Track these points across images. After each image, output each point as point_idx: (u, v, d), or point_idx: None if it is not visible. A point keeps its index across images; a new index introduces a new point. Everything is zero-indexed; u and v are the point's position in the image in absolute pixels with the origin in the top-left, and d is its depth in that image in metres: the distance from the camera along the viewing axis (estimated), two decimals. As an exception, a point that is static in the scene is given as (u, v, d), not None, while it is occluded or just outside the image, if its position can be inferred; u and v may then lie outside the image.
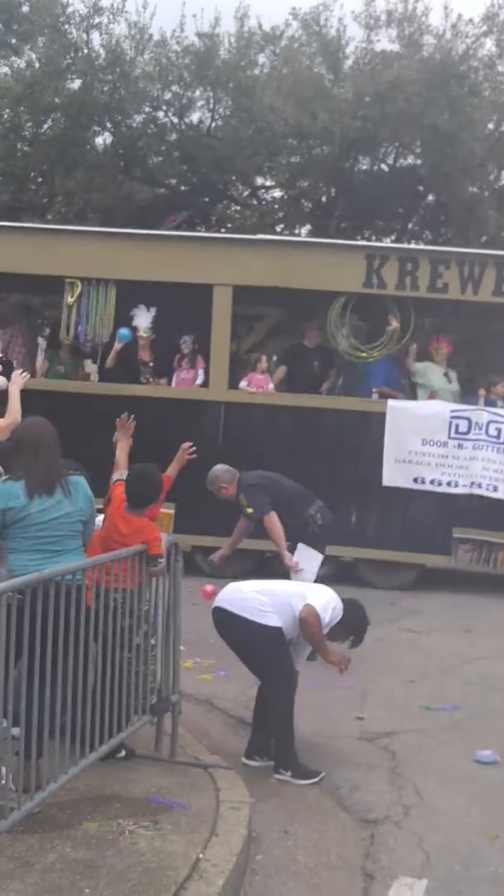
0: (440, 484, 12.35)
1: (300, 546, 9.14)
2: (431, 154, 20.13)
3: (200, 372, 12.86)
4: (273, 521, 9.05)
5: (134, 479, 6.41)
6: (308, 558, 9.12)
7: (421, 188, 21.98)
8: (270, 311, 14.24)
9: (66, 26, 21.04)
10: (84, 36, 21.02)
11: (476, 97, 19.65)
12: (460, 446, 12.34)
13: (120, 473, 6.78)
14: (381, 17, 20.52)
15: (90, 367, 14.03)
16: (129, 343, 12.84)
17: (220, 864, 4.70)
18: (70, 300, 12.78)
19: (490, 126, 20.59)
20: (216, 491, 9.21)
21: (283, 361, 13.46)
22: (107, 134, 22.42)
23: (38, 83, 20.62)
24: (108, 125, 21.98)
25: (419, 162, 21.34)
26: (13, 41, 22.66)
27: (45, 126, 21.84)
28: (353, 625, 6.55)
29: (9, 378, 12.21)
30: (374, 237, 22.43)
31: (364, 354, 12.78)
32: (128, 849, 4.75)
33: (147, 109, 21.78)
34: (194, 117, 22.10)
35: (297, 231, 22.70)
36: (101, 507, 6.25)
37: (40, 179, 22.74)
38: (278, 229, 22.28)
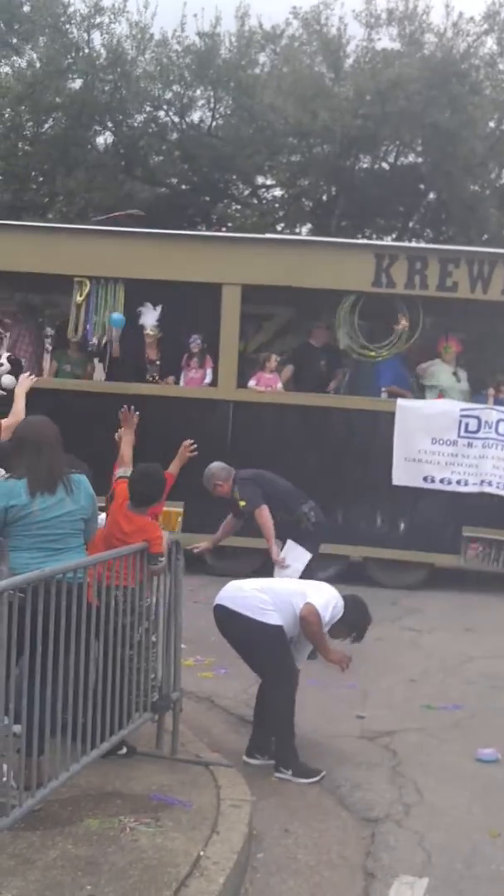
0: (450, 483, 12.35)
1: (289, 543, 9.17)
2: (432, 152, 20.14)
3: (209, 371, 12.85)
4: (264, 514, 9.10)
5: (137, 478, 6.41)
6: (296, 556, 9.14)
7: (422, 186, 21.99)
8: (278, 311, 14.24)
9: (67, 26, 21.08)
10: (85, 35, 21.06)
11: (477, 95, 19.67)
12: (470, 445, 12.33)
13: (124, 470, 6.77)
14: (381, 16, 20.56)
15: (97, 366, 14.00)
16: (135, 339, 12.80)
17: (221, 861, 4.70)
18: (79, 299, 12.77)
19: (491, 124, 20.62)
20: (212, 488, 9.28)
21: (291, 360, 13.44)
22: (108, 133, 22.45)
23: (39, 83, 20.63)
24: (109, 125, 22.01)
25: (420, 160, 21.35)
26: (14, 41, 22.64)
27: (46, 125, 21.86)
28: (354, 622, 6.56)
29: (17, 377, 12.31)
30: (374, 236, 22.44)
31: (373, 353, 12.78)
32: (129, 846, 4.76)
33: (148, 109, 21.80)
34: (195, 116, 22.15)
35: (297, 230, 22.72)
36: (102, 505, 6.25)
37: (41, 179, 22.75)
38: (279, 228, 22.30)
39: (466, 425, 12.35)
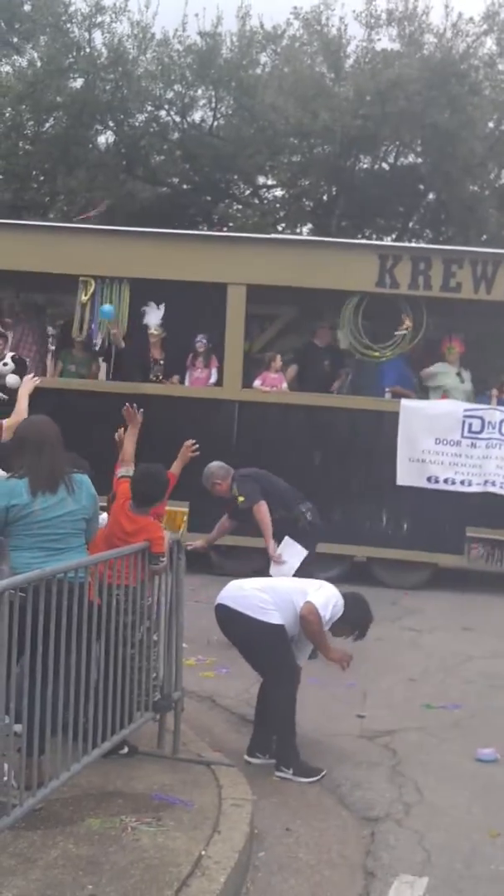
0: (454, 483, 12.37)
1: (286, 539, 9.21)
2: (432, 153, 20.17)
3: (214, 371, 12.86)
4: (262, 509, 9.16)
5: (140, 478, 6.42)
6: (292, 552, 9.18)
7: (421, 187, 22.02)
8: (283, 311, 14.25)
9: (69, 25, 21.09)
10: (86, 35, 21.06)
11: (476, 96, 19.69)
12: (473, 445, 12.35)
13: (126, 470, 6.77)
14: (381, 17, 20.59)
15: (101, 365, 13.99)
16: (140, 339, 12.79)
17: (223, 860, 4.71)
18: (84, 298, 12.78)
19: (490, 125, 20.64)
20: (210, 487, 9.35)
21: (294, 360, 13.45)
22: (109, 133, 22.46)
23: (40, 82, 20.64)
24: (111, 124, 22.02)
25: (420, 160, 21.38)
26: (15, 40, 22.65)
27: (47, 125, 21.87)
28: (355, 620, 6.56)
29: (21, 377, 12.32)
30: (374, 236, 22.47)
31: (377, 354, 12.80)
32: (130, 845, 4.77)
33: (149, 108, 21.81)
34: (196, 116, 22.17)
35: (298, 230, 22.74)
36: (104, 504, 6.25)
37: (42, 178, 22.77)
38: (280, 228, 22.32)
39: (470, 426, 12.37)
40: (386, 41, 20.55)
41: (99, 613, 5.38)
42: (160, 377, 12.94)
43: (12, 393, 8.24)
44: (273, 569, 9.00)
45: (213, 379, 12.88)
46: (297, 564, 9.09)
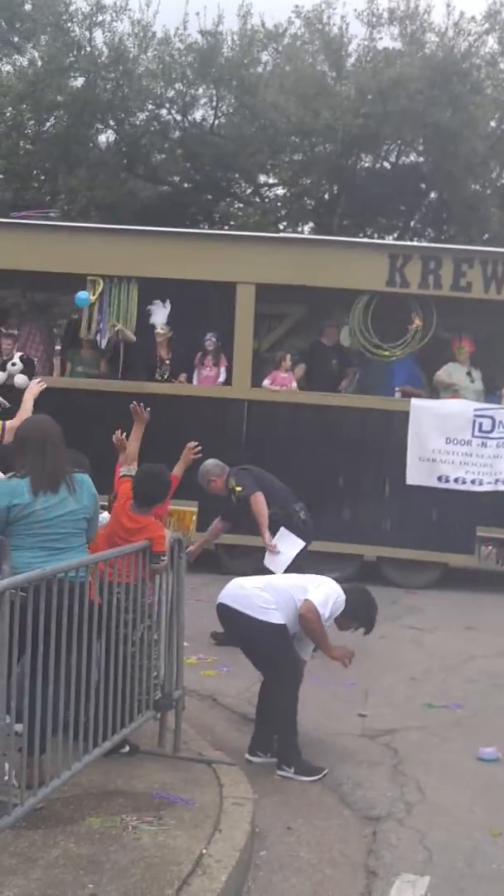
0: (464, 482, 12.37)
1: (282, 530, 9.25)
2: (433, 152, 20.16)
3: (223, 370, 12.85)
4: (259, 500, 9.20)
5: (141, 479, 6.41)
6: (288, 543, 9.22)
7: (423, 186, 22.02)
8: (289, 309, 14.25)
9: (69, 24, 21.10)
10: (87, 34, 21.07)
11: (478, 95, 19.70)
12: (484, 445, 12.35)
13: (129, 469, 6.76)
14: (383, 15, 20.61)
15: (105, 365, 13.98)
16: (147, 337, 12.77)
17: (224, 859, 4.70)
18: (92, 298, 12.78)
19: (492, 124, 20.65)
20: (206, 485, 9.41)
21: (302, 359, 13.44)
22: (110, 132, 22.47)
23: (40, 81, 20.66)
24: (111, 123, 22.03)
25: (421, 159, 21.38)
26: (16, 39, 22.68)
27: (48, 124, 21.88)
28: (360, 613, 6.54)
29: (29, 377, 12.39)
30: (376, 235, 22.46)
31: (387, 353, 12.80)
32: (131, 844, 4.76)
33: (150, 107, 21.82)
34: (197, 115, 22.17)
35: (299, 229, 22.74)
36: (104, 503, 6.24)
37: (43, 177, 22.78)
38: (281, 227, 22.32)
39: (480, 425, 12.37)
40: (387, 40, 20.62)
41: (100, 612, 5.37)
42: (167, 376, 12.90)
43: (17, 395, 8.20)
44: (268, 559, 9.09)
45: (222, 378, 12.87)
46: (293, 555, 9.17)
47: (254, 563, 10.50)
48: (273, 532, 9.20)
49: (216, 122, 22.03)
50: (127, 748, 5.92)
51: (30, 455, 5.49)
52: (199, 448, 8.00)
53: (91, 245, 12.95)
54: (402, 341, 12.75)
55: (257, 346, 13.37)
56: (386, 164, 22.08)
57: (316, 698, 7.22)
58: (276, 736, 6.42)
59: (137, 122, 22.03)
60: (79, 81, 21.40)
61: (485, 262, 12.53)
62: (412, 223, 22.98)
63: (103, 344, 13.06)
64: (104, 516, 6.33)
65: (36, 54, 21.75)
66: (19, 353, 12.75)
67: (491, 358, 13.32)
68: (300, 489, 11.80)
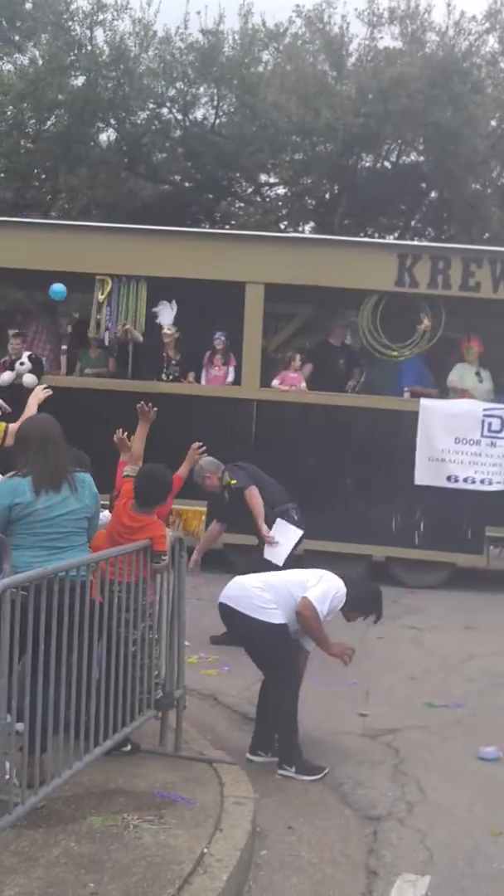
0: (473, 482, 12.36)
1: (278, 521, 9.29)
2: (434, 151, 20.17)
3: (231, 370, 12.83)
4: (254, 494, 9.25)
5: (142, 479, 6.40)
6: (285, 533, 9.27)
7: (424, 185, 22.03)
8: (297, 309, 14.23)
9: (70, 23, 21.11)
10: (88, 33, 21.08)
11: (479, 94, 19.70)
12: (493, 444, 12.35)
13: (132, 469, 6.75)
14: (383, 15, 20.61)
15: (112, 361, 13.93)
16: (154, 337, 12.75)
17: (225, 858, 4.70)
18: (100, 297, 12.75)
19: (493, 123, 20.65)
20: (201, 482, 9.44)
21: (309, 359, 13.44)
22: (111, 130, 22.47)
23: (41, 80, 20.66)
24: (112, 122, 22.03)
25: (422, 159, 21.39)
26: (17, 38, 22.65)
27: (49, 123, 21.88)
28: (364, 603, 6.52)
29: (38, 376, 12.42)
30: (377, 234, 22.46)
31: (395, 353, 12.80)
32: (132, 843, 4.76)
33: (151, 106, 21.82)
34: (198, 114, 22.17)
35: (300, 228, 22.74)
36: (105, 502, 6.24)
37: (44, 176, 22.80)
38: (282, 226, 22.33)
39: (489, 425, 12.37)
40: (388, 39, 20.62)
41: (101, 611, 5.37)
42: (174, 376, 12.87)
43: (25, 394, 8.13)
44: (268, 551, 9.12)
45: (231, 378, 12.84)
46: (292, 545, 9.24)
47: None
48: (269, 526, 9.24)
49: (217, 121, 22.03)
50: (129, 747, 5.92)
51: (32, 454, 5.49)
52: (204, 448, 8.02)
53: (100, 244, 12.92)
54: (411, 341, 12.74)
55: (265, 346, 13.36)
56: (386, 164, 22.09)
57: (317, 698, 7.22)
58: (276, 735, 6.42)
59: (138, 121, 22.02)
60: (80, 80, 21.40)
61: (494, 261, 12.50)
62: (413, 223, 22.99)
63: (107, 340, 13.02)
64: (105, 515, 6.33)
65: (37, 53, 21.75)
66: (28, 353, 12.74)
67: (500, 358, 13.28)
68: (309, 489, 11.89)
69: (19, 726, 4.79)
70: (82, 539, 5.58)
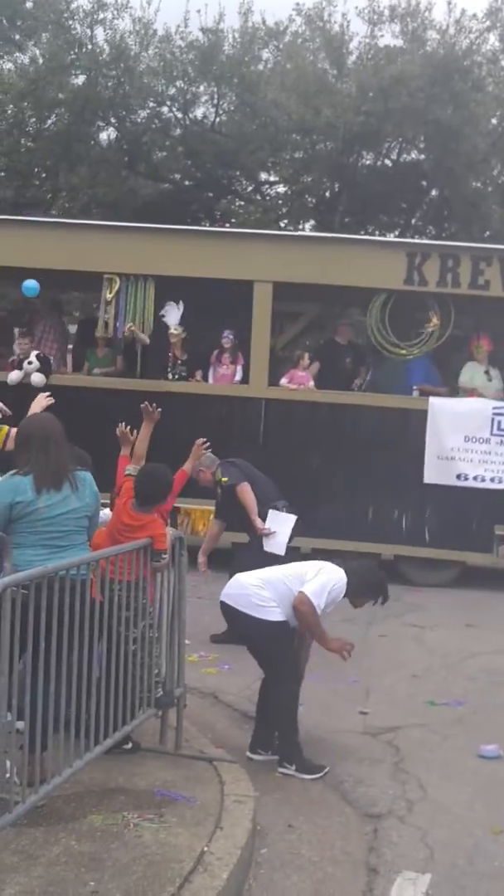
0: (483, 480, 12.37)
1: (271, 512, 9.30)
2: (435, 149, 20.14)
3: (239, 368, 12.81)
4: (246, 490, 9.28)
5: (142, 479, 6.40)
6: (280, 522, 9.28)
7: (424, 183, 22.00)
8: (304, 308, 14.20)
9: (70, 22, 21.08)
10: (88, 31, 21.05)
11: (480, 92, 19.67)
12: (503, 443, 12.35)
13: (133, 468, 6.75)
14: (384, 13, 20.55)
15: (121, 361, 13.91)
16: (161, 336, 12.75)
17: (225, 857, 4.71)
18: (108, 296, 12.74)
19: (493, 121, 20.61)
20: (195, 475, 9.40)
21: (316, 357, 13.43)
22: (111, 129, 22.45)
23: (41, 79, 20.64)
24: (113, 120, 22.01)
25: (422, 157, 21.36)
26: (17, 37, 22.63)
27: (49, 121, 21.87)
28: (367, 588, 6.50)
29: (46, 375, 12.43)
30: (377, 232, 22.44)
31: (404, 352, 12.79)
32: (133, 841, 4.77)
33: (151, 105, 21.79)
34: (198, 112, 22.13)
35: (301, 226, 22.73)
36: (106, 502, 6.24)
37: (44, 175, 22.78)
38: (282, 225, 22.31)
39: (499, 423, 12.36)
40: (389, 37, 20.57)
41: (101, 610, 5.38)
42: (181, 376, 12.84)
43: (29, 395, 8.08)
44: (266, 544, 9.14)
45: (239, 376, 12.82)
46: (289, 532, 9.26)
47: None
48: (262, 518, 9.27)
49: (217, 119, 22.00)
50: (130, 744, 5.92)
51: (34, 452, 5.49)
52: (208, 444, 8.03)
53: (107, 243, 12.90)
54: (420, 340, 12.74)
55: (273, 345, 13.33)
56: (387, 162, 22.06)
57: (317, 696, 7.23)
58: (276, 733, 6.42)
59: (138, 120, 22.00)
60: (80, 79, 21.38)
61: (503, 260, 12.50)
62: (413, 221, 22.96)
63: (118, 334, 13.00)
64: (105, 512, 6.33)
65: (37, 52, 21.73)
66: (36, 352, 12.74)
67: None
68: (318, 488, 11.87)
69: (20, 724, 4.80)
70: (83, 538, 5.59)
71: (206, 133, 21.76)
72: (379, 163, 22.00)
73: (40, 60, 21.28)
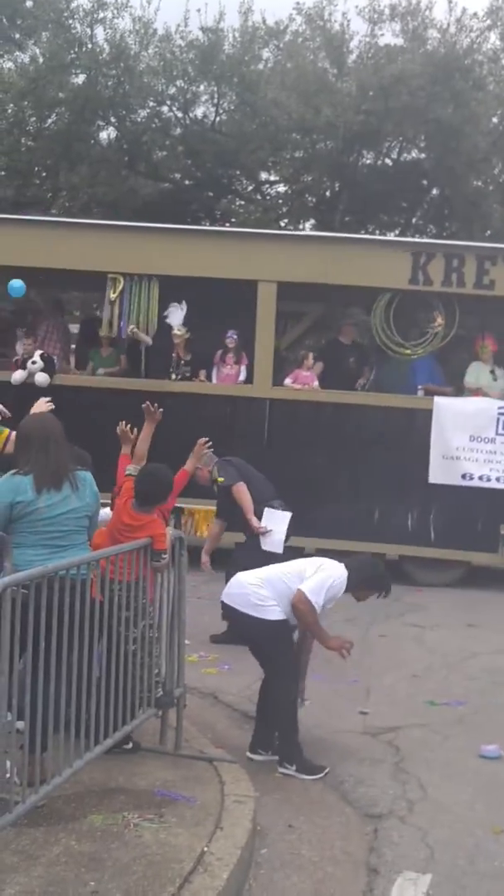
0: (489, 479, 12.37)
1: (266, 511, 9.29)
2: (435, 148, 20.13)
3: (243, 368, 12.80)
4: (242, 489, 9.28)
5: (143, 479, 6.39)
6: (276, 520, 9.28)
7: (425, 182, 21.98)
8: (308, 308, 14.18)
9: (70, 21, 21.06)
10: (88, 31, 21.02)
11: (480, 91, 19.64)
12: None
13: (134, 468, 6.74)
14: (384, 12, 20.50)
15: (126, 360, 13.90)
16: (165, 336, 12.73)
17: (225, 857, 4.70)
18: (112, 296, 12.73)
19: (494, 120, 20.57)
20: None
21: (320, 357, 13.41)
22: (111, 128, 22.42)
23: (42, 78, 20.63)
24: (113, 120, 21.98)
25: (423, 156, 21.33)
26: (17, 36, 22.61)
27: (49, 121, 21.85)
28: (368, 582, 6.47)
29: (50, 375, 12.43)
30: (378, 231, 22.42)
31: (408, 351, 12.78)
32: (133, 842, 4.76)
33: (151, 104, 21.77)
34: (198, 112, 22.11)
35: (301, 226, 22.71)
36: (106, 501, 6.23)
37: (44, 174, 22.76)
38: (282, 224, 22.29)
39: None
40: (389, 36, 20.53)
41: (101, 610, 5.37)
42: (184, 376, 12.84)
43: (33, 395, 8.07)
44: (264, 542, 9.13)
45: (243, 376, 12.81)
46: (286, 528, 9.25)
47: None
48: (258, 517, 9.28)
49: (217, 119, 21.98)
50: (130, 744, 5.92)
51: (34, 452, 5.49)
52: (210, 443, 8.03)
53: (111, 243, 12.89)
54: (424, 339, 12.73)
55: (277, 345, 13.33)
56: (387, 161, 22.03)
57: (317, 696, 7.22)
58: (277, 734, 6.41)
59: (138, 119, 21.98)
60: (80, 78, 21.36)
61: None
62: (414, 220, 22.94)
63: (122, 334, 12.99)
64: (105, 512, 6.32)
65: (37, 51, 21.70)
66: (40, 352, 12.75)
67: None
68: (322, 488, 11.85)
69: (20, 724, 4.79)
70: (83, 537, 5.59)
71: (207, 132, 21.74)
72: (379, 162, 21.98)
73: (40, 59, 21.26)
